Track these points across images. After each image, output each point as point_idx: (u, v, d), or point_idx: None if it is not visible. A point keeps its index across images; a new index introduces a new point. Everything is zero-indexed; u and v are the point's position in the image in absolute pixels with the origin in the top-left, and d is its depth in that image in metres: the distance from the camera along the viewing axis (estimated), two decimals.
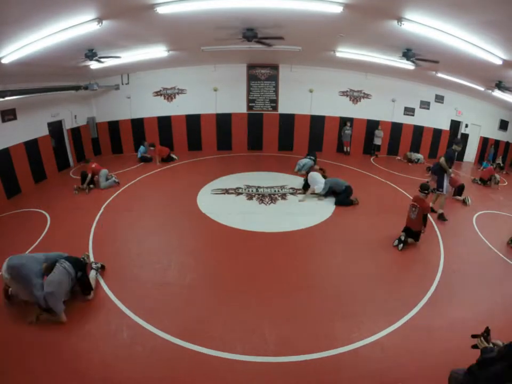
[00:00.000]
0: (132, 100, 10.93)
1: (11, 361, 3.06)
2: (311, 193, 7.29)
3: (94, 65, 7.62)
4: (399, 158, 11.76)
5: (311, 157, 9.40)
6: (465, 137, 12.35)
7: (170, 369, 3.04)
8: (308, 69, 10.75)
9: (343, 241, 5.57)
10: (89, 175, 7.61)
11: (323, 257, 5.20)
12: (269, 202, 7.05)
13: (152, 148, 9.90)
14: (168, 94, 11.06)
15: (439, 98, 11.52)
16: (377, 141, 11.53)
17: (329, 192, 7.26)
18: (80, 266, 3.91)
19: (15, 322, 3.53)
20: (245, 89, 11.14)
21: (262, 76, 11.02)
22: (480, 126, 12.11)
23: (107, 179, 7.84)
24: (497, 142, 12.42)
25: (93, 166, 7.71)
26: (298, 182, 8.36)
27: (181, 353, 3.21)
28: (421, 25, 4.94)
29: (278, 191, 7.63)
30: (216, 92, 11.02)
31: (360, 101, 11.48)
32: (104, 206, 6.72)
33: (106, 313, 3.72)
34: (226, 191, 7.50)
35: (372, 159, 11.36)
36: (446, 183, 6.50)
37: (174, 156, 10.24)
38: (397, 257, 5.13)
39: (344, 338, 3.40)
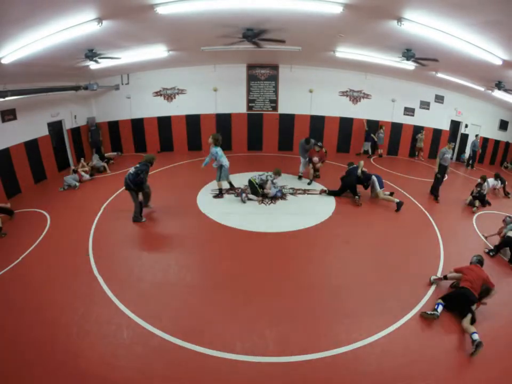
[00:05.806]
0: (132, 100, 10.92)
1: (11, 360, 3.07)
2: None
3: (93, 65, 7.60)
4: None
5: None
6: (465, 137, 12.38)
7: (170, 369, 3.04)
8: (308, 69, 10.74)
9: (343, 241, 5.58)
10: None
11: (323, 257, 5.20)
12: (269, 202, 7.05)
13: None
14: (168, 94, 11.05)
15: (439, 99, 11.52)
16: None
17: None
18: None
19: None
20: (244, 89, 11.13)
21: (262, 76, 11.01)
22: (480, 126, 12.12)
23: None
24: (497, 142, 12.44)
25: None
26: (298, 182, 8.39)
27: (181, 353, 3.21)
28: (420, 25, 4.95)
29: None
30: (216, 92, 11.02)
31: (360, 101, 11.47)
32: (104, 206, 6.72)
33: (106, 313, 3.72)
34: (226, 191, 7.49)
35: (372, 159, 11.36)
36: None
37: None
38: (397, 258, 5.14)
39: (344, 338, 3.41)
